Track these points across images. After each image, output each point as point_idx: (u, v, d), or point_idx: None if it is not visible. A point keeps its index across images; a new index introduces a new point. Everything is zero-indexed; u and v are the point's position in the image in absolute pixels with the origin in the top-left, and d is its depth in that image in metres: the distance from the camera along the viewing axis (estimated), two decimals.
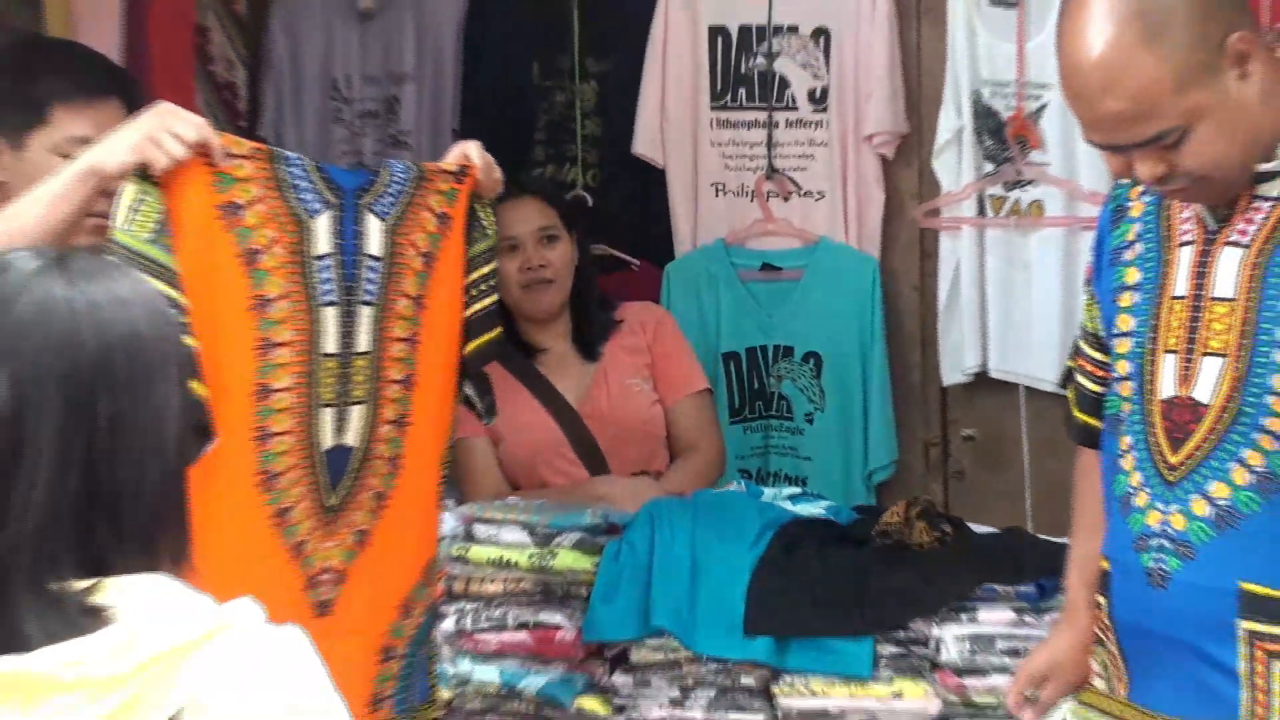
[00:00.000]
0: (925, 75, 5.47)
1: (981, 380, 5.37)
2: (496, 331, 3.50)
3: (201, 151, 2.99)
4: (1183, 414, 2.91)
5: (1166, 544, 2.89)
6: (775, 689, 3.92)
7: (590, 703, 3.97)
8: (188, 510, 2.18)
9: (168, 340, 2.13)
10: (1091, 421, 3.13)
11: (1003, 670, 3.79)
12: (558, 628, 4.00)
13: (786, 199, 5.48)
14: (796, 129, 5.51)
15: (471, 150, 3.39)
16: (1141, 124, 2.78)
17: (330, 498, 3.21)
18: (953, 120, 5.35)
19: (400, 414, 3.30)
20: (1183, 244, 2.94)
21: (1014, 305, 5.33)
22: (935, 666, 3.86)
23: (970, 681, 3.82)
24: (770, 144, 5.51)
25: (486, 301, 3.45)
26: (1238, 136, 2.82)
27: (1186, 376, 2.91)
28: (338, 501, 3.22)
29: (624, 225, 4.86)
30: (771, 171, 5.49)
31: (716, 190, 5.56)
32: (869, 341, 5.41)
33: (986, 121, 5.32)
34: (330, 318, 3.16)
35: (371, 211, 3.22)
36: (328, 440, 3.19)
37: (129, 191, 3.00)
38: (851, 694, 3.88)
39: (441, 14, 5.70)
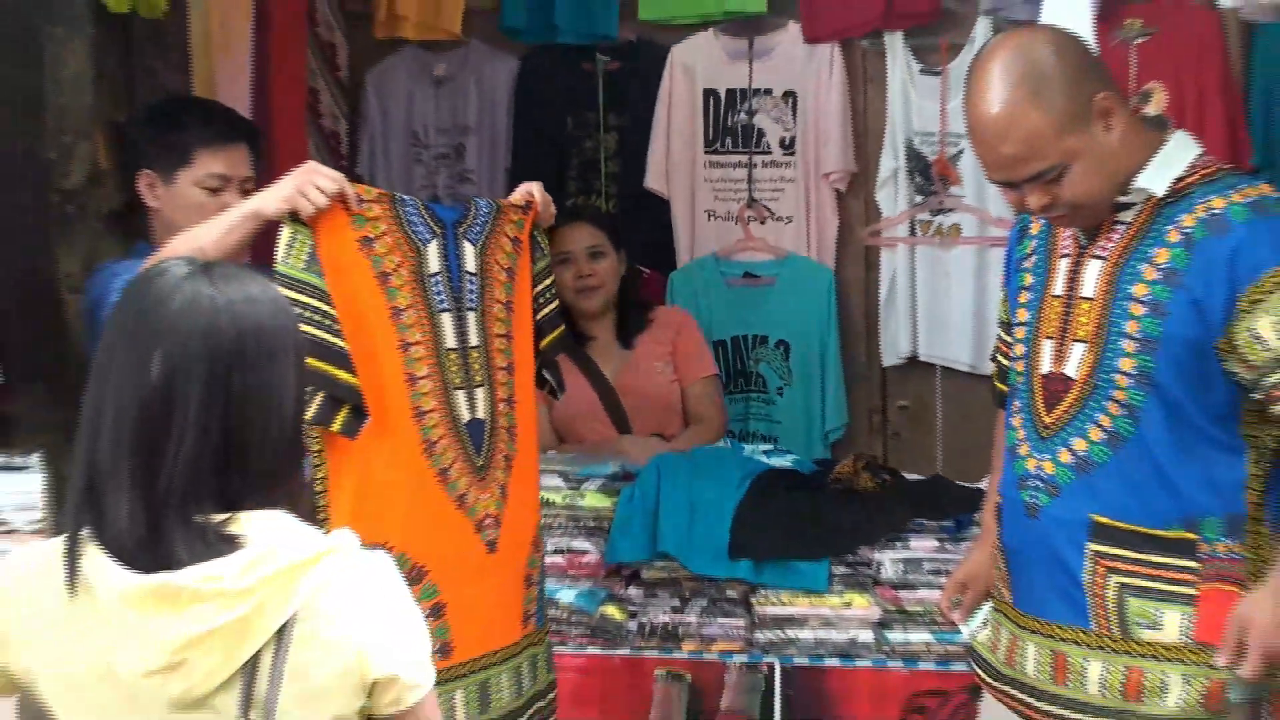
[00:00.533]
0: (870, 127, 5.45)
1: (912, 363, 5.37)
2: (562, 329, 3.51)
3: (339, 199, 3.00)
4: (1056, 385, 2.94)
5: (1040, 484, 2.93)
6: (753, 600, 3.91)
7: (611, 610, 3.95)
8: (302, 459, 2.19)
9: (286, 330, 2.14)
10: (1004, 389, 3.14)
11: (929, 586, 3.80)
12: (585, 552, 4.00)
13: (763, 223, 5.47)
14: (770, 169, 5.49)
15: (535, 189, 3.39)
16: (1029, 164, 2.82)
17: (478, 459, 3.20)
18: (890, 162, 5.35)
19: (509, 394, 3.30)
20: (1063, 255, 2.97)
21: (936, 305, 5.33)
22: (876, 583, 3.85)
23: (904, 594, 3.82)
24: (750, 180, 5.49)
25: (551, 307, 3.46)
26: (1104, 173, 2.85)
27: (1060, 357, 2.94)
28: (483, 462, 3.21)
29: (637, 242, 4.84)
30: (751, 201, 5.48)
31: (708, 216, 5.54)
32: (826, 332, 5.39)
33: (916, 163, 5.32)
34: (446, 321, 3.16)
35: (466, 238, 3.23)
36: (465, 415, 3.18)
37: (285, 232, 3.00)
38: (811, 604, 3.87)
39: (497, 80, 5.67)
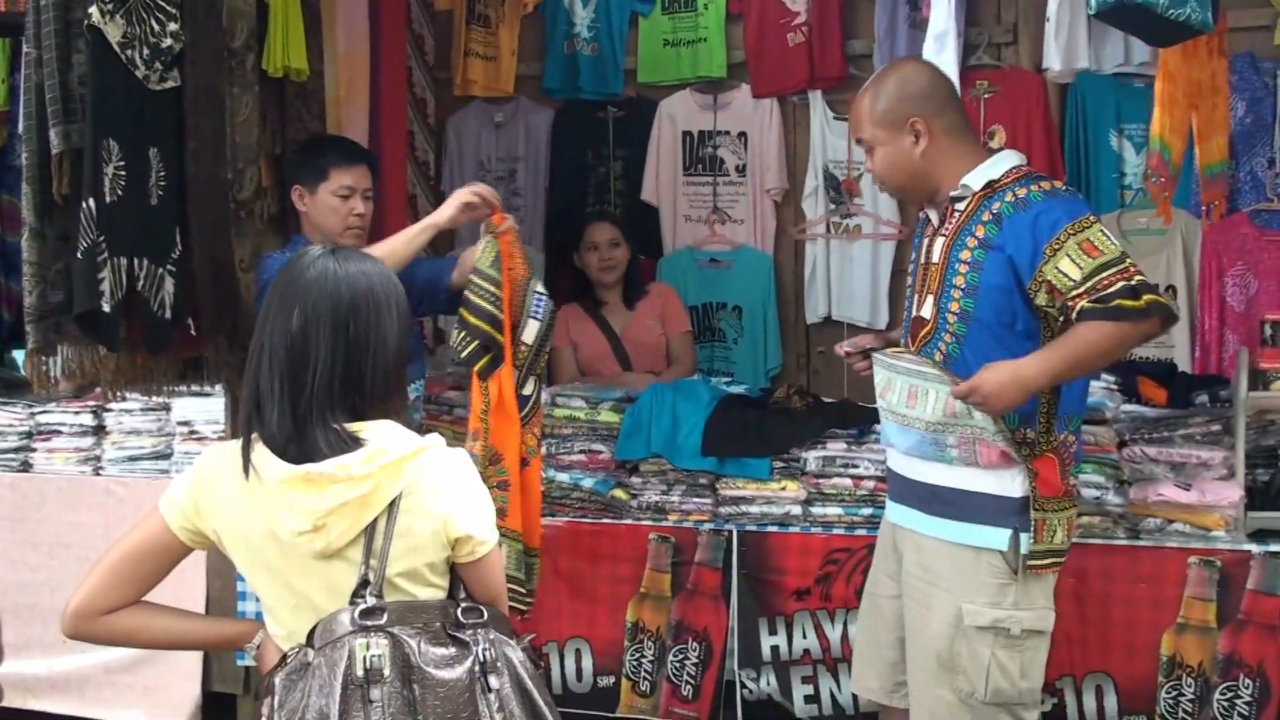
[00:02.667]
0: (798, 157, 5.40)
1: (827, 321, 5.34)
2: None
3: (488, 202, 3.13)
4: (917, 325, 2.97)
5: None
6: (718, 485, 3.91)
7: (618, 492, 3.95)
8: (404, 384, 2.19)
9: (389, 293, 2.14)
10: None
11: (840, 475, 3.79)
12: (600, 452, 4.00)
13: (723, 224, 5.43)
14: (729, 186, 5.44)
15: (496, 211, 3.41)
16: (854, 130, 3.02)
17: (522, 411, 3.27)
18: (813, 181, 5.32)
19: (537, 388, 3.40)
20: (927, 236, 2.99)
21: (844, 281, 5.30)
22: (803, 473, 3.84)
23: (822, 481, 3.81)
24: (714, 194, 5.45)
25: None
26: (901, 169, 2.96)
27: (919, 305, 2.96)
28: (525, 417, 3.28)
29: (636, 238, 4.82)
30: (715, 209, 5.44)
31: (685, 218, 5.49)
32: (767, 300, 5.36)
33: (830, 182, 5.28)
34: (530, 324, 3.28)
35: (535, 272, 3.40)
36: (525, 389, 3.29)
37: (483, 239, 3.18)
38: (758, 488, 3.86)
39: (540, 124, 5.61)
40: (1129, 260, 2.74)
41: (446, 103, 5.67)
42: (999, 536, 2.84)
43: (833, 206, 5.27)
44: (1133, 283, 2.71)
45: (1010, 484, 2.83)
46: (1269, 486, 3.65)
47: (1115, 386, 3.70)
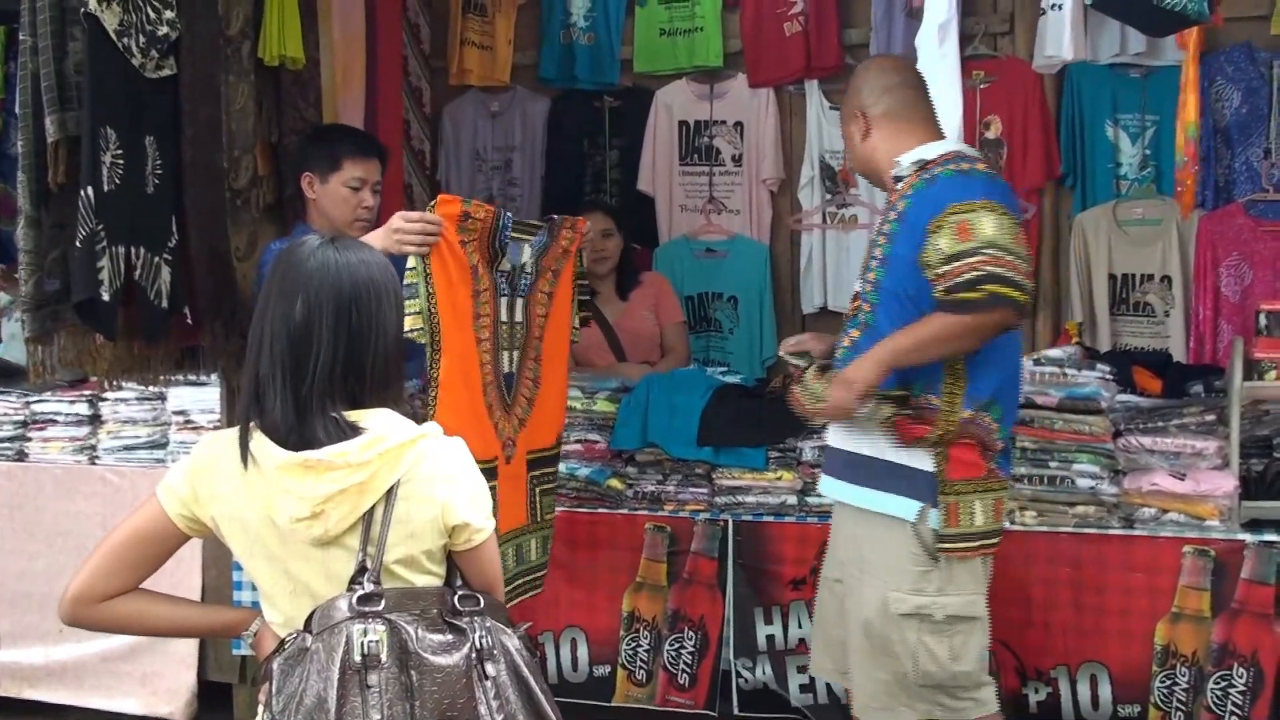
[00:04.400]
0: (794, 146, 5.41)
1: (823, 311, 5.34)
2: (589, 312, 3.69)
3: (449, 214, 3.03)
4: (853, 299, 3.08)
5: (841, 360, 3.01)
6: (714, 475, 3.92)
7: (614, 482, 3.96)
8: (403, 372, 2.20)
9: (388, 282, 2.15)
10: None
11: None
12: (597, 442, 4.01)
13: (719, 214, 5.43)
14: (725, 176, 5.45)
15: (585, 224, 3.50)
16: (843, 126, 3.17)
17: (507, 399, 3.22)
18: (809, 171, 5.32)
19: (537, 354, 3.34)
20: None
21: (840, 271, 5.29)
22: (799, 463, 3.86)
23: (817, 471, 3.75)
24: (710, 184, 5.45)
25: (585, 295, 3.56)
26: (854, 160, 3.15)
27: (860, 281, 3.06)
28: (510, 401, 3.23)
29: (631, 227, 4.82)
30: (711, 199, 5.45)
31: (681, 208, 5.50)
32: (763, 290, 5.36)
33: (827, 172, 5.28)
34: (503, 303, 3.19)
35: (529, 245, 3.25)
36: (505, 368, 3.21)
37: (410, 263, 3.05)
38: (754, 478, 3.88)
39: (536, 114, 5.62)
40: (996, 249, 2.75)
41: (442, 92, 5.66)
42: (907, 507, 2.91)
43: (828, 196, 5.27)
44: (980, 272, 2.74)
45: (923, 459, 2.90)
46: (1263, 476, 3.67)
47: (1110, 376, 3.71)
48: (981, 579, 2.95)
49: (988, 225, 2.77)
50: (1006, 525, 3.07)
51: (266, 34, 3.79)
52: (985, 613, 2.95)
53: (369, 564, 2.02)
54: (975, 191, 2.83)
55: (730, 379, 4.27)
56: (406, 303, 2.84)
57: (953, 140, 3.05)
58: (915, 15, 4.65)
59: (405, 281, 2.89)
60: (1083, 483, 3.57)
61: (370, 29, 4.67)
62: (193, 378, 4.12)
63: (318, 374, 2.03)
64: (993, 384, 2.92)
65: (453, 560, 2.12)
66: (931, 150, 2.98)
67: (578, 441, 3.98)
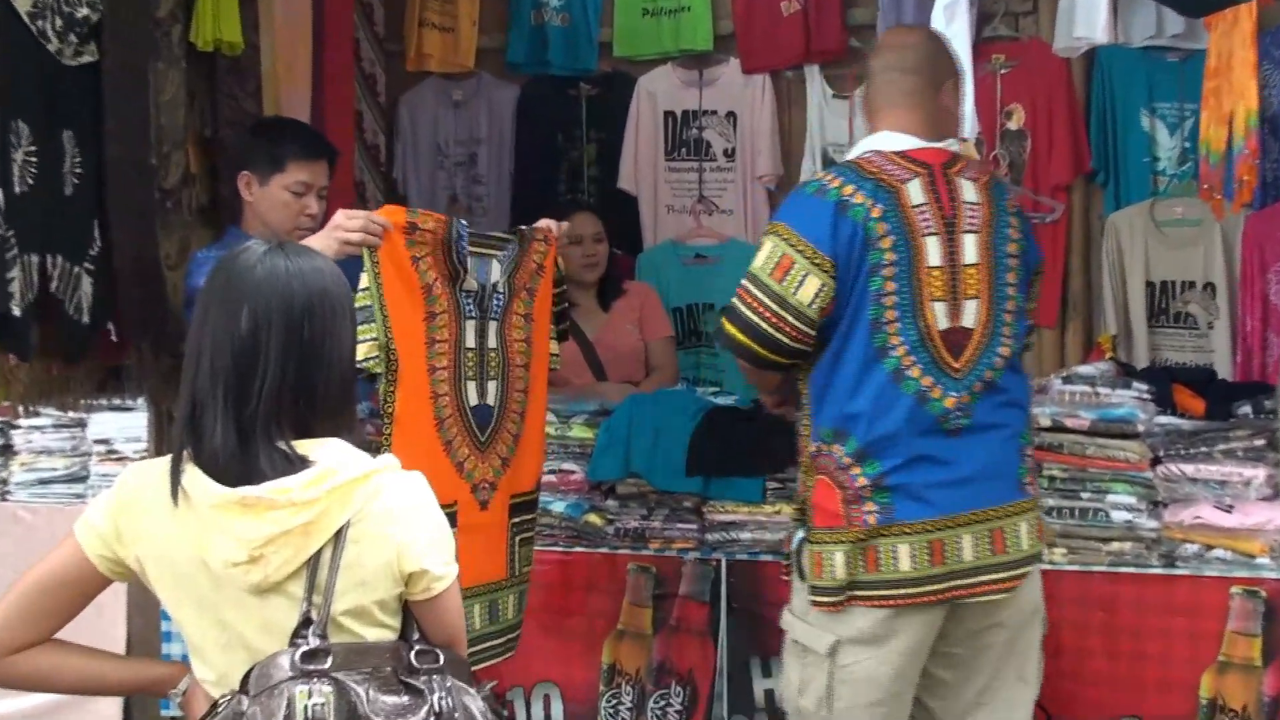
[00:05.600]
0: (793, 139, 5.43)
1: None
2: (568, 324, 3.62)
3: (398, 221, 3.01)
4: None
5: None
6: (705, 509, 3.91)
7: (592, 517, 3.96)
8: (356, 395, 2.19)
9: (344, 294, 2.15)
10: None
11: None
12: (573, 472, 4.01)
13: (710, 215, 5.46)
14: (716, 173, 5.47)
15: (553, 225, 3.43)
16: None
17: (481, 436, 3.20)
18: (810, 166, 5.33)
19: (524, 385, 3.31)
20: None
21: None
22: None
23: None
24: (700, 182, 5.47)
25: (563, 305, 3.52)
26: None
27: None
28: (486, 439, 3.21)
29: (611, 230, 4.83)
30: (701, 198, 5.47)
31: (668, 209, 5.52)
32: None
33: (829, 167, 5.29)
34: (470, 327, 3.16)
35: (498, 261, 3.22)
36: (473, 400, 3.18)
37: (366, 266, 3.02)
38: (750, 512, 3.87)
39: (504, 103, 5.64)
40: (748, 279, 2.96)
41: (399, 79, 5.67)
42: (796, 535, 3.05)
43: None
44: (730, 303, 3.00)
45: (804, 489, 3.04)
46: None
47: (1147, 396, 3.72)
48: (835, 619, 2.95)
49: (759, 253, 2.97)
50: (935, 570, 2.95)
51: (200, 16, 3.77)
52: (824, 650, 2.96)
53: (314, 615, 2.01)
54: (781, 210, 3.06)
55: (723, 400, 4.26)
56: (360, 329, 2.83)
57: (882, 137, 3.06)
58: None
59: (358, 304, 2.88)
60: (1118, 515, 3.57)
61: (317, 9, 4.67)
62: (117, 402, 4.10)
63: (264, 397, 2.02)
64: (835, 411, 2.96)
65: (409, 611, 2.11)
66: (856, 149, 3.09)
67: (551, 472, 3.96)
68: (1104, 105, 5.01)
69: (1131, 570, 3.55)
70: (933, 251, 2.94)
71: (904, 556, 2.92)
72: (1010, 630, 3.03)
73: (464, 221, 3.17)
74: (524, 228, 3.38)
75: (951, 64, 3.18)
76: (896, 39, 3.36)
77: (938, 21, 3.65)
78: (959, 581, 2.93)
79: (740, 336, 2.95)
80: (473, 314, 3.18)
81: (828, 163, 5.29)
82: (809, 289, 2.90)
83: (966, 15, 3.67)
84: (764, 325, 2.92)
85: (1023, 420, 3.06)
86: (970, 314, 2.95)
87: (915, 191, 2.95)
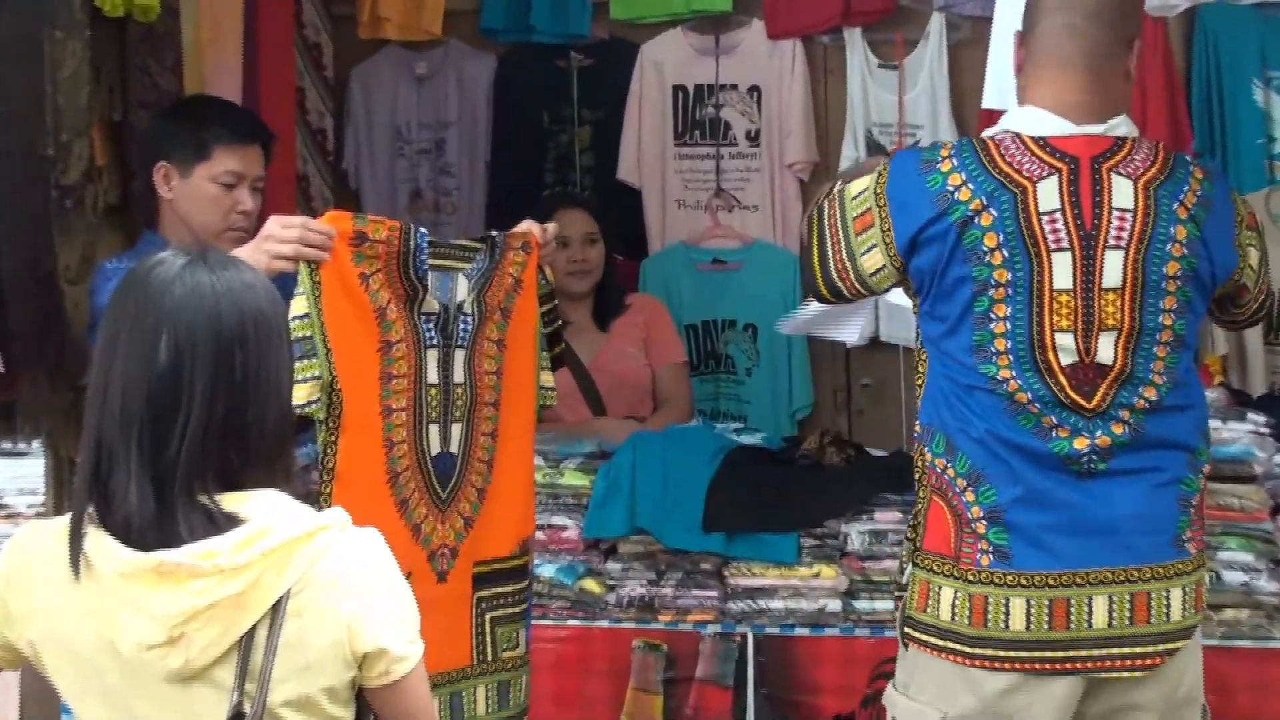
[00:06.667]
0: (831, 119, 5.46)
1: (874, 343, 5.34)
2: (562, 345, 3.59)
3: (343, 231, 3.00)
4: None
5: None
6: (726, 571, 3.91)
7: (589, 583, 3.95)
8: (294, 437, 2.19)
9: (280, 315, 2.16)
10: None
11: (893, 556, 3.75)
12: (565, 528, 4.00)
13: (730, 211, 5.48)
14: (737, 160, 5.50)
15: (535, 229, 3.37)
16: None
17: (441, 492, 3.19)
18: (851, 151, 5.35)
19: (493, 428, 3.29)
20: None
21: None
22: (843, 554, 3.85)
23: (869, 564, 3.82)
24: (718, 171, 5.50)
25: (555, 324, 3.48)
26: None
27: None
28: (447, 495, 3.20)
29: (609, 231, 4.83)
30: (719, 191, 5.49)
31: (678, 205, 5.56)
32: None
33: (875, 153, 5.30)
34: (432, 357, 3.15)
35: (465, 276, 3.20)
36: (435, 448, 3.17)
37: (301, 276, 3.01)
38: (781, 575, 3.86)
39: (477, 77, 5.66)
40: (835, 201, 3.02)
41: (349, 49, 5.70)
42: (908, 567, 3.03)
43: None
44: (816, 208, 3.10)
45: (919, 503, 3.04)
46: None
47: (1266, 430, 3.71)
48: (949, 689, 2.92)
49: (862, 178, 3.03)
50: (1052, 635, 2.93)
51: None
52: None
53: (247, 708, 2.00)
54: (899, 155, 3.07)
55: (747, 439, 4.28)
56: (298, 364, 2.82)
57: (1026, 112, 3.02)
58: None
59: (295, 335, 2.88)
60: (1231, 576, 3.58)
61: None
62: (7, 445, 4.09)
63: (186, 442, 2.02)
64: (947, 416, 2.94)
65: (365, 700, 2.10)
66: (1000, 124, 3.00)
67: (539, 528, 3.95)
68: (1207, 75, 5.03)
69: (1248, 645, 3.55)
70: (1061, 271, 2.85)
71: (1017, 614, 2.87)
72: (1155, 717, 2.97)
73: (423, 230, 3.16)
74: (496, 234, 3.32)
75: (1140, 15, 3.10)
76: None
77: None
78: (1087, 652, 2.88)
79: (814, 262, 3.04)
80: (434, 341, 3.15)
81: (873, 146, 5.30)
82: (872, 261, 2.95)
83: None
84: (832, 269, 3.00)
85: (1183, 464, 2.95)
86: (1107, 349, 2.86)
87: (1047, 194, 2.85)
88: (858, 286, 2.99)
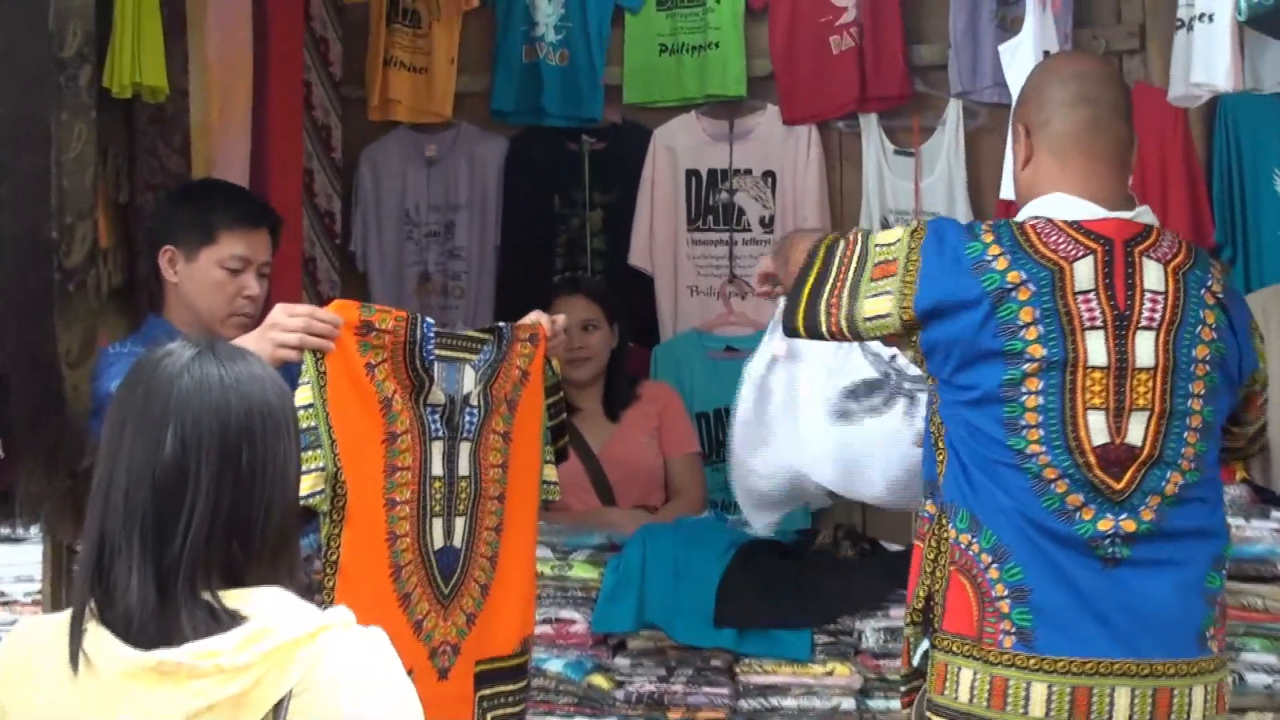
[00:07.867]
0: (846, 205, 5.48)
1: None
2: (566, 440, 3.62)
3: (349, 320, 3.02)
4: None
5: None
6: (737, 668, 3.90)
7: (597, 679, 3.93)
8: (300, 532, 2.18)
9: (288, 409, 2.15)
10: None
11: None
12: (573, 622, 3.98)
13: (744, 298, 5.47)
14: (751, 245, 5.51)
15: (543, 320, 3.42)
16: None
17: (444, 587, 3.19)
18: None
19: (497, 522, 3.30)
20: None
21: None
22: (858, 651, 3.85)
23: (884, 663, 3.80)
24: (731, 257, 5.52)
25: (562, 416, 3.52)
26: (1016, 185, 3.22)
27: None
28: (450, 590, 3.20)
29: (623, 318, 4.84)
30: (732, 277, 5.49)
31: (691, 291, 5.57)
32: None
33: None
34: (437, 449, 3.16)
35: (472, 367, 3.23)
36: (438, 542, 3.18)
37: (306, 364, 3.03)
38: (794, 672, 3.85)
39: (488, 159, 5.69)
40: (858, 242, 3.06)
41: (358, 130, 5.72)
42: (920, 646, 3.06)
43: None
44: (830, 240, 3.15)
45: (930, 580, 3.02)
46: None
47: None
48: None
49: (894, 229, 3.14)
50: None
51: (116, 55, 3.80)
52: None
53: None
54: (937, 221, 3.12)
55: (760, 532, 4.25)
56: (304, 455, 2.82)
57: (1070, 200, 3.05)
58: (1010, 27, 4.71)
59: (300, 425, 2.88)
60: (1255, 679, 3.56)
61: (259, 47, 4.69)
62: (4, 531, 4.08)
63: (191, 538, 2.01)
64: (971, 491, 2.94)
65: None
66: (1022, 213, 3.04)
67: (546, 621, 3.95)
68: (1229, 164, 5.04)
69: None
70: (1095, 350, 2.89)
71: (1038, 699, 2.85)
72: None
73: (430, 320, 3.18)
74: (503, 325, 3.36)
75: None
76: (1084, 64, 3.31)
77: (1024, 59, 3.70)
78: None
79: (804, 290, 3.07)
80: (439, 433, 3.17)
81: None
82: (876, 307, 2.97)
83: (1033, 52, 3.72)
84: (821, 302, 3.03)
85: (1208, 557, 2.96)
86: (1138, 429, 2.89)
87: (1083, 274, 2.90)
88: (842, 327, 3.01)
